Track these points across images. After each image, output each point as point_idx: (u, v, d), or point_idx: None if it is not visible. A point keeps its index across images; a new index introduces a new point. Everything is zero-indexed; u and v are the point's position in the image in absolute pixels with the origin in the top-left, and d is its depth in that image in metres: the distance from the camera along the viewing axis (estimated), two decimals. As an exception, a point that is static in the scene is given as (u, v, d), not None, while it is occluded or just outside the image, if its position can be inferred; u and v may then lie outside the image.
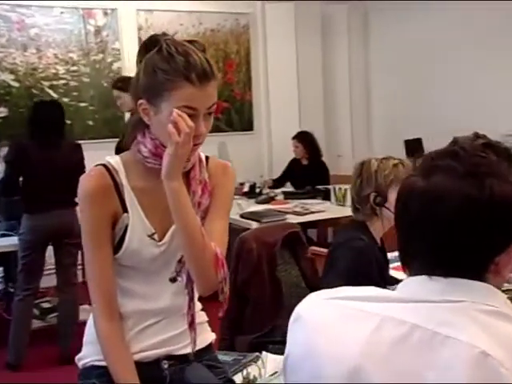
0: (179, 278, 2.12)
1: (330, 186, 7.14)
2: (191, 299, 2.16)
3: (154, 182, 2.03)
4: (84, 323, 5.11)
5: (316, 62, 9.27)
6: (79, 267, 5.84)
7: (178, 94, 1.90)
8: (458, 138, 1.37)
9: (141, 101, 1.98)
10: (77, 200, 5.03)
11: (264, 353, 2.58)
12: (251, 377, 2.34)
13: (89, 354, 2.14)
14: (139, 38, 8.07)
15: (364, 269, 3.05)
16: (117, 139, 6.11)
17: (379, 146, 9.66)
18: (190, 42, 1.98)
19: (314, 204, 6.80)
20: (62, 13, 7.70)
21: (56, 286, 5.68)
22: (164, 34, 2.01)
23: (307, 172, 7.87)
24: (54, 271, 5.69)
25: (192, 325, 2.16)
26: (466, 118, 7.83)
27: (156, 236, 2.07)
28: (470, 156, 1.29)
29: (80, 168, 5.28)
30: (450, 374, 1.16)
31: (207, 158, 2.20)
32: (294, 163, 8.12)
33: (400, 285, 1.39)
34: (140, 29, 8.15)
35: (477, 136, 1.36)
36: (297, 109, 9.10)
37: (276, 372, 2.37)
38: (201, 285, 2.05)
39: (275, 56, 9.06)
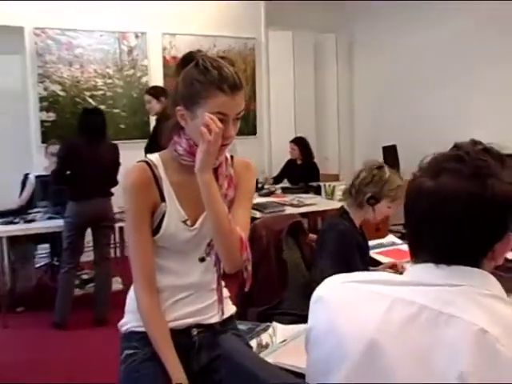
0: (208, 258, 2.14)
1: (321, 183, 7.18)
2: (219, 277, 2.18)
3: (187, 177, 2.03)
4: (116, 292, 5.25)
5: (309, 80, 9.31)
6: (112, 246, 5.89)
7: (212, 102, 1.90)
8: (459, 144, 1.35)
9: (179, 107, 1.98)
10: (114, 190, 5.13)
11: (274, 323, 2.60)
12: (264, 343, 2.36)
13: (130, 321, 2.14)
14: (163, 57, 8.12)
15: (346, 247, 3.15)
16: (143, 140, 6.36)
17: (361, 150, 9.70)
18: (221, 58, 1.99)
19: (307, 198, 6.81)
20: (101, 35, 7.76)
21: (93, 261, 5.69)
22: (199, 51, 2.02)
23: (301, 171, 7.87)
24: (91, 249, 5.72)
25: (220, 298, 2.19)
26: (434, 129, 7.88)
27: (189, 222, 2.07)
28: (473, 159, 1.28)
29: (116, 165, 5.42)
30: (454, 349, 1.15)
31: (232, 157, 2.21)
32: (290, 163, 8.11)
33: (407, 271, 1.37)
34: (164, 49, 8.15)
35: (475, 142, 1.35)
36: (293, 118, 9.14)
37: (285, 340, 2.39)
38: (227, 264, 2.05)
39: (275, 74, 9.06)
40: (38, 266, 6.61)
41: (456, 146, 1.34)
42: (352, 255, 3.18)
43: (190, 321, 2.14)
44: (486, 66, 7.45)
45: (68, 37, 7.54)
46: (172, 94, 2.07)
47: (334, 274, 3.01)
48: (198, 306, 2.16)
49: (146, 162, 2.07)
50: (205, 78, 1.92)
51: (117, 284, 5.76)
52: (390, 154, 8.11)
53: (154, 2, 7.94)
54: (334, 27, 9.40)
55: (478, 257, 1.29)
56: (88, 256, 5.85)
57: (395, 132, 8.64)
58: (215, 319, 2.19)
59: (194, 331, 2.15)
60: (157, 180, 2.05)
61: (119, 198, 5.33)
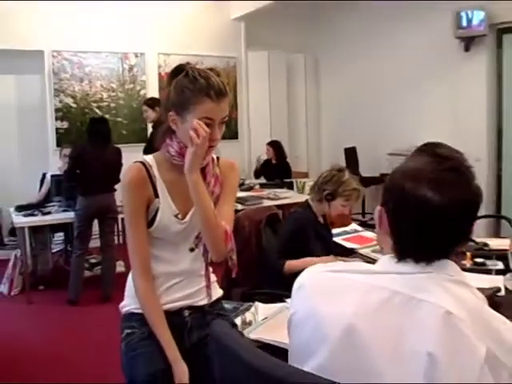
0: (197, 249, 2.05)
1: (293, 180, 7.12)
2: (207, 264, 2.11)
3: (178, 175, 1.95)
4: (119, 274, 5.21)
5: (282, 92, 9.23)
6: (115, 234, 5.81)
7: (201, 108, 1.82)
8: (448, 153, 1.19)
9: (171, 113, 1.90)
10: (117, 187, 5.05)
11: (256, 303, 2.51)
12: (247, 320, 2.27)
13: (129, 304, 2.05)
14: (159, 74, 8.02)
15: (299, 230, 3.11)
16: (141, 144, 6.34)
17: (326, 151, 9.69)
18: (209, 69, 1.90)
19: (282, 192, 6.74)
20: (106, 56, 7.63)
21: (100, 247, 5.63)
22: (188, 63, 1.94)
23: (276, 169, 7.79)
24: (98, 236, 5.66)
25: (208, 284, 2.11)
26: (388, 133, 7.93)
27: (180, 216, 1.99)
28: (466, 168, 1.18)
29: (119, 165, 5.31)
30: (423, 330, 1.09)
31: (217, 158, 2.12)
32: (266, 162, 8.03)
33: (380, 261, 1.27)
34: (160, 67, 8.04)
35: (456, 152, 1.22)
36: (268, 124, 9.06)
37: (266, 317, 2.31)
38: (214, 254, 1.98)
39: (254, 87, 8.98)
40: (54, 251, 6.53)
41: (445, 157, 1.19)
42: (307, 239, 3.12)
43: (182, 303, 2.05)
44: (434, 81, 7.48)
45: (79, 57, 7.44)
46: (164, 101, 1.98)
47: (284, 251, 2.97)
48: (189, 291, 2.06)
49: (142, 163, 1.97)
50: (194, 86, 1.83)
51: (120, 267, 5.68)
52: (351, 154, 8.16)
53: (151, 26, 7.91)
54: (303, 48, 9.36)
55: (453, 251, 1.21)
56: (96, 243, 5.77)
57: (355, 136, 8.63)
58: (204, 302, 2.10)
59: (186, 313, 2.06)
60: (151, 178, 1.96)
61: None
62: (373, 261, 3.34)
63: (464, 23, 6.76)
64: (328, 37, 9.24)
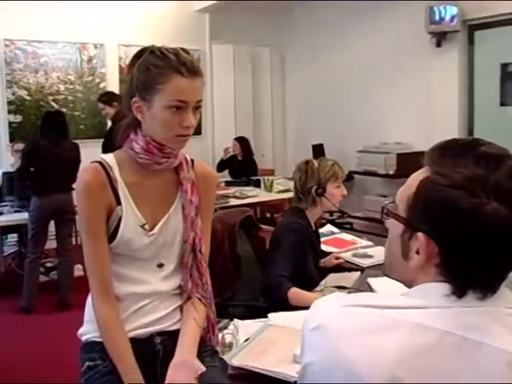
0: (167, 265, 1.73)
1: (260, 177, 6.90)
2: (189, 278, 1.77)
3: (145, 177, 1.66)
4: (78, 278, 4.94)
5: (248, 87, 8.96)
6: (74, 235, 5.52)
7: (171, 87, 1.53)
8: (501, 153, 0.94)
9: (135, 99, 1.60)
10: (74, 186, 4.72)
11: (235, 320, 2.21)
12: (227, 342, 1.97)
13: (89, 331, 1.71)
14: (119, 66, 7.64)
15: (300, 245, 2.83)
16: (101, 139, 5.96)
17: (292, 148, 9.49)
18: (179, 48, 1.61)
19: (249, 190, 6.49)
20: (64, 46, 7.25)
21: (56, 250, 5.31)
22: (152, 46, 1.63)
23: (241, 166, 7.55)
24: (54, 237, 5.32)
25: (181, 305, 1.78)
26: (355, 130, 7.80)
27: (147, 226, 1.66)
28: None
29: (77, 162, 4.97)
30: (485, 376, 0.87)
31: (192, 161, 1.81)
32: (231, 158, 7.74)
33: (414, 289, 1.00)
34: (120, 59, 7.67)
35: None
36: (233, 120, 8.80)
37: (248, 338, 2.01)
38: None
39: (218, 81, 8.69)
40: (6, 254, 6.15)
41: (499, 157, 0.92)
42: (306, 255, 2.86)
43: (152, 329, 1.71)
44: (404, 76, 7.36)
45: (34, 47, 7.04)
46: (126, 89, 1.65)
47: (288, 272, 2.68)
48: (161, 314, 1.73)
49: (100, 163, 1.64)
50: (162, 61, 1.54)
51: (78, 271, 5.30)
52: (318, 151, 8.00)
53: (111, 16, 7.53)
54: (269, 42, 9.09)
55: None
56: (51, 244, 5.44)
57: (323, 132, 8.45)
58: (179, 325, 1.75)
59: (157, 339, 1.72)
60: (111, 182, 1.63)
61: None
62: (357, 267, 3.15)
63: (436, 18, 6.61)
64: (295, 30, 9.05)
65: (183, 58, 1.55)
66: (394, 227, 1.04)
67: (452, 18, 6.52)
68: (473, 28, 6.72)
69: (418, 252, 0.97)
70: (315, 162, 2.98)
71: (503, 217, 0.87)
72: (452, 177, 0.91)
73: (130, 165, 1.67)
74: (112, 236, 1.64)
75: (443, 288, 0.95)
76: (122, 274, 1.68)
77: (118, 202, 1.64)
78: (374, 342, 0.92)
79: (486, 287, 0.93)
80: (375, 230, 5.90)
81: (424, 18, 6.66)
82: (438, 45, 6.78)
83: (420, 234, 0.95)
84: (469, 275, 0.93)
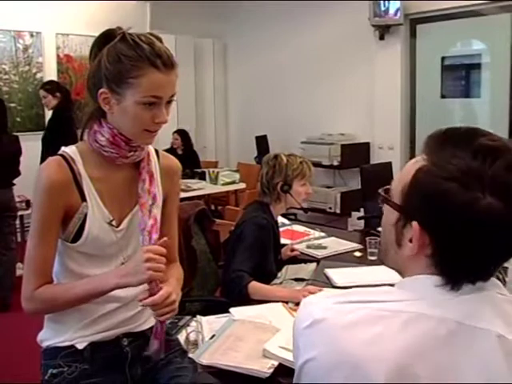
0: None
1: (205, 170, 6.80)
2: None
3: (110, 171, 1.56)
4: (20, 278, 4.69)
5: (190, 79, 8.80)
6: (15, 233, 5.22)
7: (146, 82, 1.43)
8: (499, 145, 0.91)
9: (102, 89, 1.47)
10: (16, 181, 4.46)
11: (198, 317, 2.13)
12: (191, 339, 1.88)
13: (51, 337, 1.60)
14: (57, 55, 7.35)
15: (264, 241, 2.77)
16: (39, 132, 5.72)
17: (234, 140, 9.43)
18: (149, 34, 1.52)
19: (194, 183, 6.40)
20: (-3, 34, 6.92)
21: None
22: (119, 28, 1.52)
23: (182, 159, 7.33)
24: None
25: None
26: (298, 121, 7.82)
27: (114, 222, 1.56)
28: None
29: (17, 156, 4.70)
30: (481, 359, 0.88)
31: (157, 151, 1.72)
32: (170, 151, 7.59)
33: (406, 281, 1.00)
34: (58, 48, 7.36)
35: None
36: (175, 112, 8.59)
37: (214, 335, 1.94)
38: None
39: (160, 73, 8.52)
40: None
41: (500, 150, 0.90)
42: (268, 250, 2.81)
43: (118, 331, 1.62)
44: (348, 68, 7.42)
45: (-36, 34, 6.68)
46: (91, 75, 1.52)
47: (250, 267, 2.62)
48: (127, 315, 1.64)
49: (63, 156, 1.52)
50: (135, 52, 1.43)
51: (20, 270, 5.02)
52: (262, 143, 8.04)
53: (49, 3, 7.18)
54: (211, 33, 9.00)
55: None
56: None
57: (266, 124, 8.42)
58: (147, 325, 1.67)
59: (125, 341, 1.63)
60: (75, 177, 1.51)
61: (21, 188, 4.91)
62: (313, 258, 3.13)
63: (381, 11, 6.68)
64: (237, 22, 8.96)
65: (158, 49, 1.45)
66: (389, 214, 1.03)
67: (396, 11, 6.62)
68: (415, 22, 6.87)
69: (411, 240, 0.97)
70: (284, 158, 2.90)
71: (497, 212, 0.87)
72: (448, 169, 0.89)
73: (94, 158, 1.56)
74: (77, 234, 1.53)
75: (434, 280, 0.94)
76: (85, 274, 1.57)
77: (83, 198, 1.53)
78: (374, 330, 0.90)
79: (477, 278, 0.94)
80: (319, 221, 5.93)
81: (368, 10, 6.73)
82: (382, 38, 6.87)
83: (414, 223, 0.94)
84: (460, 268, 0.93)
